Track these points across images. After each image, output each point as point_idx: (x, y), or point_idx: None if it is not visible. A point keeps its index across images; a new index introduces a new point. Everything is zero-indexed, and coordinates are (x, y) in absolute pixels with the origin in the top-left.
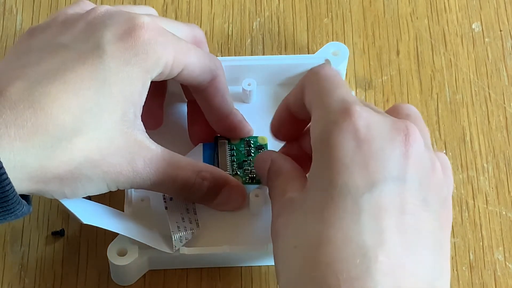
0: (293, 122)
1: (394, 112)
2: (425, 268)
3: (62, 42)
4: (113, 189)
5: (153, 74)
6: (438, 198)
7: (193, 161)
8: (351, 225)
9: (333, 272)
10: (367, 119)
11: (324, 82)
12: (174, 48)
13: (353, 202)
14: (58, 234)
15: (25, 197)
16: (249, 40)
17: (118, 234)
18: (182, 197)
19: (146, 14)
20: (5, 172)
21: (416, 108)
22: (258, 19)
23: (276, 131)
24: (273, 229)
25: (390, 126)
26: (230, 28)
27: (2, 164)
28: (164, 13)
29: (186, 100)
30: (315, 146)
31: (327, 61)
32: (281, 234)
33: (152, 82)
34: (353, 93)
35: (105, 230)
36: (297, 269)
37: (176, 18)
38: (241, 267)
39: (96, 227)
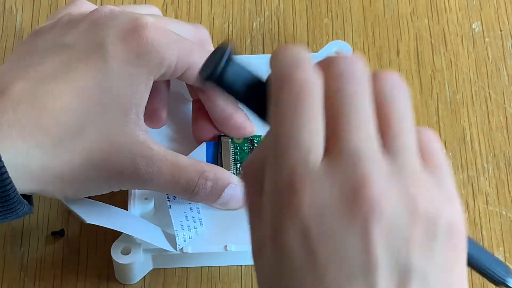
0: None
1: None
2: None
3: (65, 42)
4: (116, 189)
5: (156, 74)
6: (430, 240)
7: (196, 161)
8: None
9: None
10: (316, 202)
11: (285, 119)
12: (178, 48)
13: None
14: (58, 234)
15: (27, 197)
16: (249, 40)
17: (120, 233)
18: (185, 197)
19: (150, 15)
20: (6, 171)
21: (416, 108)
22: (258, 19)
23: None
24: None
25: (345, 200)
26: (230, 28)
27: (3, 163)
28: (164, 13)
29: (189, 100)
30: (266, 242)
31: None
32: None
33: (155, 81)
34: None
35: (105, 230)
36: None
37: (176, 18)
38: (241, 267)
39: (96, 227)
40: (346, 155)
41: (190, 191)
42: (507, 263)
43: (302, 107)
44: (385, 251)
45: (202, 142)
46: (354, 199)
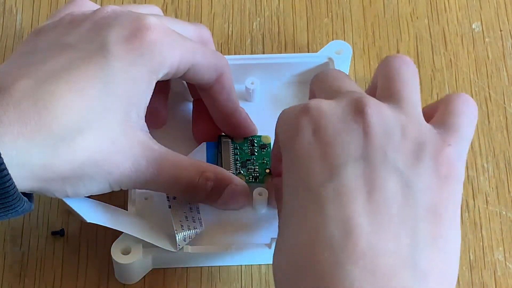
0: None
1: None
2: (401, 242)
3: (67, 42)
4: (116, 189)
5: (159, 74)
6: (416, 158)
7: (197, 161)
8: (317, 221)
9: (311, 272)
10: (325, 110)
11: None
12: (181, 48)
13: (315, 196)
14: (58, 234)
15: (27, 194)
16: (249, 40)
17: (120, 233)
18: (185, 197)
19: (152, 14)
20: (6, 168)
21: None
22: (258, 19)
23: (274, 171)
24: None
25: (348, 109)
26: (230, 28)
27: (3, 160)
28: (164, 13)
29: (189, 99)
30: (282, 149)
31: (330, 59)
32: (276, 243)
33: (156, 81)
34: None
35: (105, 230)
36: (289, 277)
37: (176, 18)
38: (241, 267)
39: (96, 226)
40: (345, 92)
41: (190, 191)
42: (507, 263)
43: None
44: (378, 146)
45: (202, 142)
46: (355, 106)
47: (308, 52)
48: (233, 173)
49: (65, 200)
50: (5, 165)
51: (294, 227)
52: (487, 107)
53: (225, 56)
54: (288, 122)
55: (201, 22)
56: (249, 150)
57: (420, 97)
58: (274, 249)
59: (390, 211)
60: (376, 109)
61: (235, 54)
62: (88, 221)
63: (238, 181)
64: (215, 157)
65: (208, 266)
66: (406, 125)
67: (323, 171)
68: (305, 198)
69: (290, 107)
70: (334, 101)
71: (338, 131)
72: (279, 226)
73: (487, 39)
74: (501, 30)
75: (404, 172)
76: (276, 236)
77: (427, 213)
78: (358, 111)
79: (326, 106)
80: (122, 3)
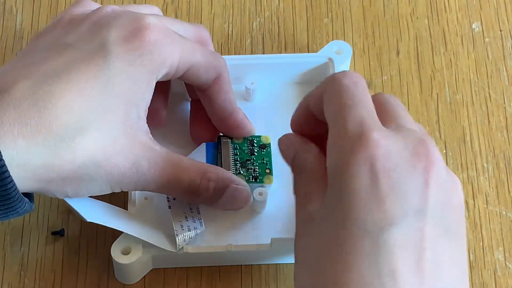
0: (314, 122)
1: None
2: None
3: (67, 42)
4: (117, 190)
5: (159, 75)
6: (458, 217)
7: (198, 162)
8: (368, 268)
9: None
10: (385, 148)
11: (344, 96)
12: (180, 49)
13: (371, 242)
14: (58, 234)
15: (27, 194)
16: (249, 40)
17: (119, 233)
18: (187, 199)
19: (151, 14)
20: (7, 170)
21: (416, 108)
22: (258, 19)
23: (296, 130)
24: (295, 248)
25: (410, 152)
26: (230, 28)
27: (4, 162)
28: (164, 13)
29: (189, 99)
30: (330, 172)
31: (330, 59)
32: (299, 264)
33: (156, 82)
34: None
35: (105, 230)
36: None
37: (176, 18)
38: (241, 267)
39: (96, 226)
40: (406, 128)
41: (192, 192)
42: (507, 263)
43: (362, 89)
44: (435, 201)
45: (200, 143)
46: (418, 150)
47: (308, 52)
48: (233, 173)
49: (65, 199)
50: (6, 167)
51: (337, 266)
52: (487, 107)
53: (225, 56)
54: (342, 145)
55: (201, 22)
56: (248, 150)
57: (420, 97)
58: (298, 262)
59: (438, 273)
60: (440, 161)
61: (235, 54)
62: (88, 220)
63: (239, 181)
64: (214, 157)
65: (208, 266)
66: (453, 178)
67: (382, 218)
68: (357, 242)
69: (342, 113)
70: (393, 136)
71: (402, 177)
72: (302, 231)
73: (487, 39)
74: (501, 30)
75: (455, 233)
76: (276, 236)
77: (463, 267)
78: (422, 156)
79: (394, 146)
80: (122, 3)
